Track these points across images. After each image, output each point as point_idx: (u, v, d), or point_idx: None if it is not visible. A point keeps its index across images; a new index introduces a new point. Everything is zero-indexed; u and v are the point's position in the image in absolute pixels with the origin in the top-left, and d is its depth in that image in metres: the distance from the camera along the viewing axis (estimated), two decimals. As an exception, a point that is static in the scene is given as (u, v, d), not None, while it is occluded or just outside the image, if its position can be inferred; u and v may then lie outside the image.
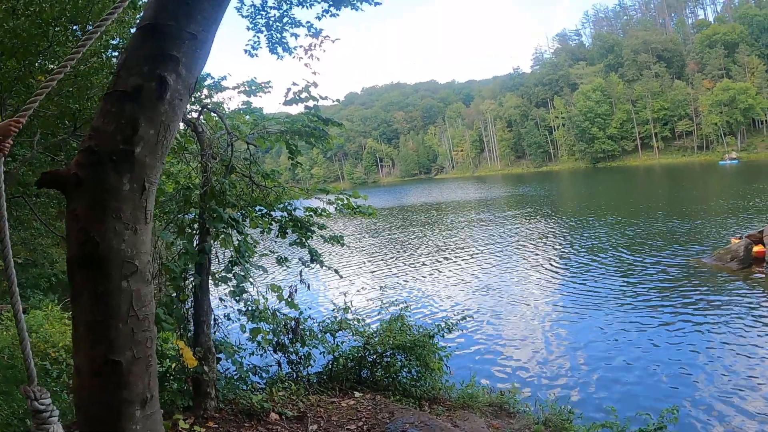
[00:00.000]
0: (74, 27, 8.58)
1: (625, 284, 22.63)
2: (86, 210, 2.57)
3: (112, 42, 8.99)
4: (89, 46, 2.85)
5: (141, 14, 8.51)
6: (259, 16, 10.28)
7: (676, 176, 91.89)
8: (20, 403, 7.44)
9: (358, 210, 9.59)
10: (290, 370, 10.55)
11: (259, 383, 9.74)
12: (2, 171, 2.78)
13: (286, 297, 9.82)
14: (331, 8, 10.21)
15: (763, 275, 21.59)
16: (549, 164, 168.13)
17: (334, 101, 9.62)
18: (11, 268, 2.73)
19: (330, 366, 10.84)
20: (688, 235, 31.63)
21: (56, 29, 8.21)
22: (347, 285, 24.56)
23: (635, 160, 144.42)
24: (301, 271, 10.25)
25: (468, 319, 13.38)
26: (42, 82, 3.22)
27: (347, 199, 9.52)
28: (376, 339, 10.85)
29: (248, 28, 10.41)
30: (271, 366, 10.28)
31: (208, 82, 9.26)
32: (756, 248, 22.98)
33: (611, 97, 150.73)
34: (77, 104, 8.52)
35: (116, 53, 8.96)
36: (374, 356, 10.89)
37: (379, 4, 10.21)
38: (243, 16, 10.24)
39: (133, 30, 8.85)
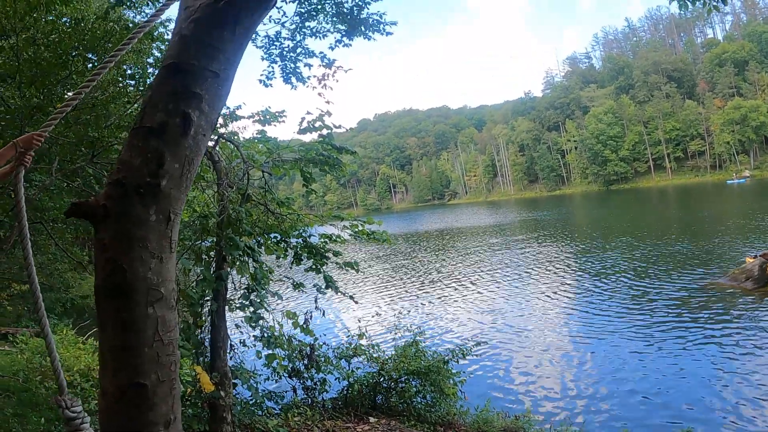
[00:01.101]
0: (92, 56, 8.74)
1: (639, 307, 22.48)
2: (114, 240, 2.67)
3: (128, 72, 9.16)
4: (104, 74, 2.97)
5: (156, 44, 8.75)
6: (273, 47, 10.47)
7: (688, 197, 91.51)
8: (35, 426, 7.53)
9: (372, 236, 9.68)
10: (305, 395, 10.61)
11: (274, 409, 9.81)
12: (22, 185, 2.91)
13: (301, 323, 9.91)
14: (344, 38, 10.39)
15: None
16: (562, 188, 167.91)
17: (347, 129, 9.76)
18: (35, 284, 2.86)
19: (345, 392, 10.89)
20: (702, 256, 31.41)
21: (75, 58, 8.37)
22: (361, 311, 24.59)
23: (648, 181, 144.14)
24: (316, 298, 10.35)
25: (482, 344, 13.41)
26: (59, 107, 3.36)
27: (362, 225, 9.61)
28: (391, 365, 10.90)
29: (263, 59, 10.59)
30: (286, 392, 10.36)
31: (224, 111, 9.41)
32: (771, 267, 22.77)
33: (623, 119, 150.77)
34: (95, 132, 8.67)
35: (133, 82, 9.13)
36: (389, 382, 10.94)
37: (390, 33, 10.38)
38: (257, 47, 10.43)
39: (149, 60, 9.06)
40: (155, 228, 2.72)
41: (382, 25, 10.30)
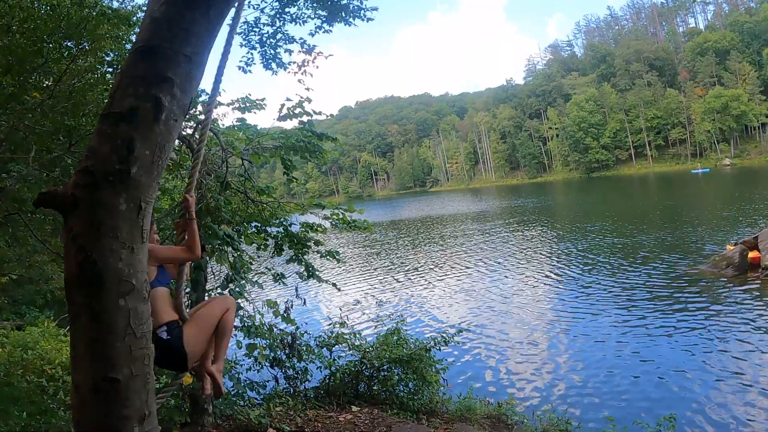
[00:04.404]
0: (69, 43, 8.60)
1: (620, 293, 22.62)
2: (83, 229, 2.59)
3: (107, 58, 9.01)
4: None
5: (136, 30, 8.61)
6: (253, 33, 10.35)
7: (669, 184, 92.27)
8: (17, 420, 7.42)
9: (353, 224, 9.62)
10: (287, 385, 10.56)
11: (256, 399, 9.74)
12: None
13: (282, 312, 9.85)
14: (324, 24, 10.29)
15: (759, 281, 21.61)
16: (543, 175, 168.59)
17: (327, 116, 9.66)
18: None
19: (327, 381, 10.84)
20: (683, 243, 31.64)
21: (51, 46, 8.22)
22: (343, 299, 24.56)
23: (629, 169, 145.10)
24: (296, 287, 10.28)
25: (464, 332, 13.41)
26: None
27: (343, 213, 9.54)
28: (373, 353, 10.87)
29: (242, 45, 10.47)
30: (268, 381, 10.28)
31: (203, 98, 9.29)
32: (751, 254, 23.01)
33: (604, 106, 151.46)
34: (72, 121, 8.52)
35: (111, 69, 8.98)
36: (371, 370, 10.91)
37: (372, 19, 10.29)
38: (236, 33, 10.30)
39: (128, 46, 8.90)
40: (126, 217, 2.64)
41: (362, 11, 10.21)
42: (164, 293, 4.33)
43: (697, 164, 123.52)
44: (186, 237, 4.26)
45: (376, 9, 10.28)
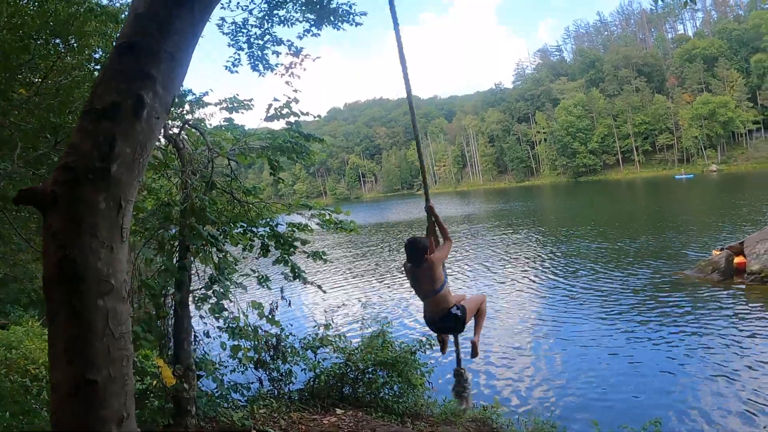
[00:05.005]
0: (56, 40, 8.55)
1: (606, 298, 22.65)
2: (62, 227, 2.56)
3: (95, 56, 8.96)
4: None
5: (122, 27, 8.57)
6: (240, 34, 10.30)
7: (656, 189, 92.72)
8: (8, 420, 7.37)
9: (340, 226, 9.61)
10: (272, 387, 10.53)
11: (240, 401, 9.71)
12: None
13: (267, 314, 9.82)
14: (313, 28, 10.25)
15: (744, 286, 21.74)
16: (531, 179, 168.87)
17: (315, 117, 9.63)
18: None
19: (312, 383, 10.83)
20: (669, 248, 31.76)
21: (38, 42, 8.17)
22: (328, 301, 24.49)
23: (617, 174, 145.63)
24: (282, 288, 10.25)
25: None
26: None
27: (329, 214, 9.53)
28: (358, 355, 10.86)
29: (229, 45, 10.43)
30: (252, 383, 10.26)
31: (190, 97, 9.25)
32: (737, 259, 23.11)
33: (592, 111, 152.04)
34: (58, 118, 8.47)
35: (98, 67, 8.92)
36: (356, 373, 10.90)
37: (360, 24, 10.27)
38: (224, 33, 10.25)
39: (115, 44, 8.84)
40: (106, 215, 2.60)
41: (351, 16, 10.18)
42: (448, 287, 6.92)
43: (681, 170, 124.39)
44: (439, 231, 7.10)
45: (365, 14, 10.25)
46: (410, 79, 6.51)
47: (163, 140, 8.43)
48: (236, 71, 10.55)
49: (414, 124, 6.87)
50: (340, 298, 26.44)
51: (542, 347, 17.68)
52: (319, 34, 10.45)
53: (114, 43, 8.46)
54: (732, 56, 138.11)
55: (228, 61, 10.60)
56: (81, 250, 2.55)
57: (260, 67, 10.59)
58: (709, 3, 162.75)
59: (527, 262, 32.88)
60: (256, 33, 10.34)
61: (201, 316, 8.87)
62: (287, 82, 10.14)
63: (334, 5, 10.03)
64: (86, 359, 2.57)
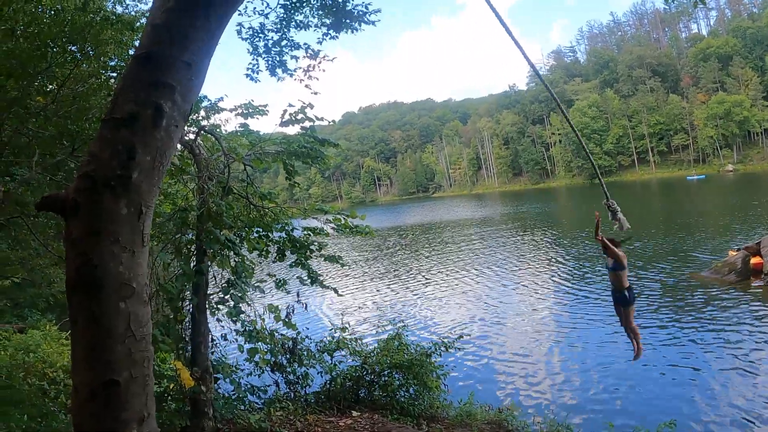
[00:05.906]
0: (73, 47, 8.63)
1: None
2: (84, 234, 2.62)
3: (111, 63, 9.04)
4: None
5: (139, 35, 8.64)
6: (258, 38, 10.36)
7: (671, 190, 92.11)
8: (17, 422, 7.44)
9: (355, 230, 9.64)
10: (288, 390, 10.57)
11: (256, 403, 9.75)
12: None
13: (283, 317, 9.87)
14: (331, 31, 10.29)
15: (761, 287, 21.59)
16: (546, 181, 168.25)
17: (329, 122, 9.68)
18: None
19: (328, 385, 10.85)
20: (685, 249, 31.62)
21: (55, 50, 8.25)
22: (344, 304, 24.56)
23: (632, 174, 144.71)
24: (298, 292, 10.30)
25: (465, 337, 13.39)
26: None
27: (345, 219, 9.56)
28: (374, 358, 10.87)
29: (249, 52, 10.48)
30: (268, 386, 10.30)
31: (205, 103, 9.31)
32: (753, 260, 22.90)
33: (607, 112, 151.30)
34: (75, 125, 8.55)
35: (114, 74, 9.01)
36: (372, 375, 10.91)
37: (378, 21, 10.28)
38: (243, 39, 10.31)
39: (131, 52, 8.92)
40: (126, 221, 2.66)
41: (367, 15, 10.21)
42: (623, 274, 9.50)
43: (693, 171, 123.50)
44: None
45: (379, 11, 10.27)
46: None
47: (179, 146, 8.50)
48: (258, 79, 10.54)
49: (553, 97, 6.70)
50: (356, 302, 26.47)
51: (558, 349, 17.62)
52: (337, 37, 10.48)
53: (130, 51, 8.59)
54: (747, 55, 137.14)
55: (248, 69, 10.66)
56: (102, 255, 2.61)
57: (278, 71, 10.64)
58: (723, 1, 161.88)
59: (544, 265, 32.76)
60: (273, 38, 10.39)
61: (218, 320, 8.93)
62: (306, 86, 10.19)
63: (349, 6, 10.07)
64: (108, 361, 2.63)
